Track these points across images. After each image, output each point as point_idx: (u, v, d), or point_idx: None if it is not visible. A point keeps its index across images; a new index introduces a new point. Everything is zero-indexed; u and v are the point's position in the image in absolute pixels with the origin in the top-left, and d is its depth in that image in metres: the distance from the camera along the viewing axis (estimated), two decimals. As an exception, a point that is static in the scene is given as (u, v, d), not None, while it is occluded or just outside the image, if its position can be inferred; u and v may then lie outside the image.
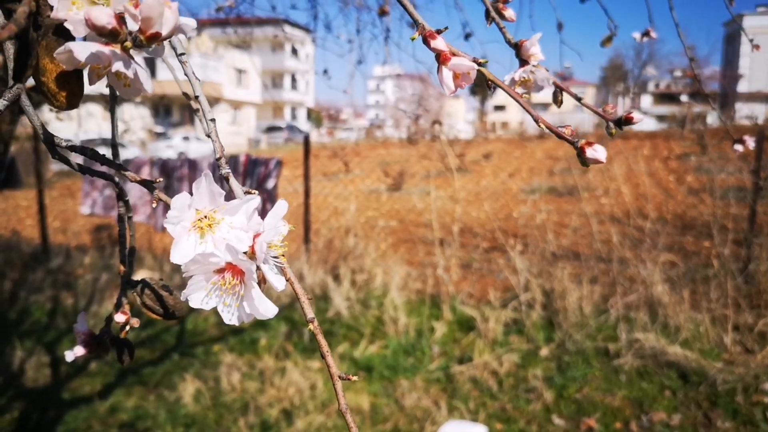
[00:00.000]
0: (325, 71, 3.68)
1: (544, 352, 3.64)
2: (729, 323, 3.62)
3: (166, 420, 3.06)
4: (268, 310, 0.44)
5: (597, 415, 2.97)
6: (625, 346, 3.55)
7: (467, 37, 2.41)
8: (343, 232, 5.35)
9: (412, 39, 0.54)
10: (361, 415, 3.05)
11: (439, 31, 0.54)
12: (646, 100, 45.15)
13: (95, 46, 0.39)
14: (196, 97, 0.50)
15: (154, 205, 0.48)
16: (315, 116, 43.45)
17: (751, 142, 1.12)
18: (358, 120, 45.33)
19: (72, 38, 0.43)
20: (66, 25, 0.41)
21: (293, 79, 40.24)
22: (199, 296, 0.46)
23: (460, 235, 5.19)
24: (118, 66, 0.41)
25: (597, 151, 0.54)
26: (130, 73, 0.42)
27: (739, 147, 1.13)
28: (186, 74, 0.50)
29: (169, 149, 19.10)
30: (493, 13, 0.65)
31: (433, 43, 0.53)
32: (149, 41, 0.41)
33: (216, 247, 0.45)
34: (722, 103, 33.37)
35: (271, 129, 30.90)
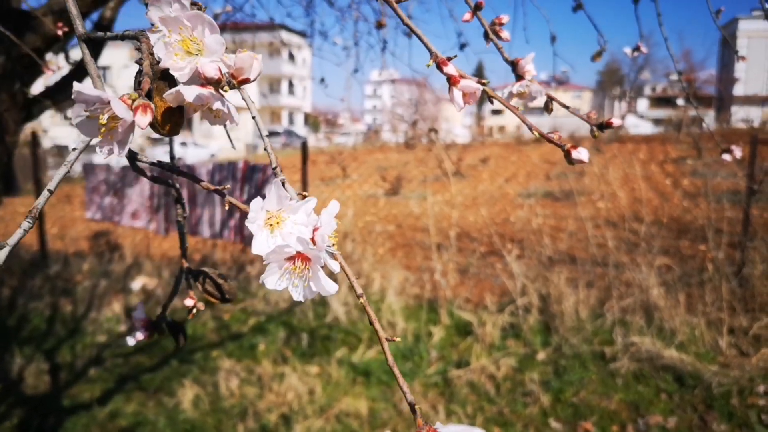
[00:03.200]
0: (322, 80, 3.71)
1: (541, 356, 3.66)
2: (724, 326, 3.65)
3: (165, 426, 3.08)
4: (332, 287, 0.54)
5: (594, 418, 3.00)
6: (621, 349, 3.58)
7: (462, 47, 2.44)
8: (341, 238, 5.37)
9: (428, 65, 0.62)
10: (360, 420, 3.07)
11: (449, 59, 0.62)
12: (643, 104, 45.30)
13: (200, 90, 0.50)
14: (253, 118, 0.59)
15: (226, 207, 0.58)
16: (312, 121, 43.51)
17: (738, 152, 1.15)
18: (355, 125, 45.40)
19: (173, 81, 0.53)
20: (172, 72, 0.51)
21: (290, 85, 40.31)
22: (273, 279, 0.54)
23: (457, 240, 5.22)
24: (217, 105, 0.52)
25: (580, 153, 0.63)
26: (225, 109, 0.53)
27: (726, 156, 1.16)
28: (243, 99, 0.60)
29: (166, 155, 19.11)
30: (491, 35, 0.71)
31: (446, 69, 0.61)
32: (240, 84, 0.53)
33: (284, 240, 0.54)
34: (718, 107, 33.52)
35: (269, 134, 30.87)
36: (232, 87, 0.53)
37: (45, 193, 0.50)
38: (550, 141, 0.64)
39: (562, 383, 3.33)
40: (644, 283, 4.05)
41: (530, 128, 0.64)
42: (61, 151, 14.31)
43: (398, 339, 0.54)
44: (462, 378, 3.43)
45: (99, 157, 0.50)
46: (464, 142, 20.17)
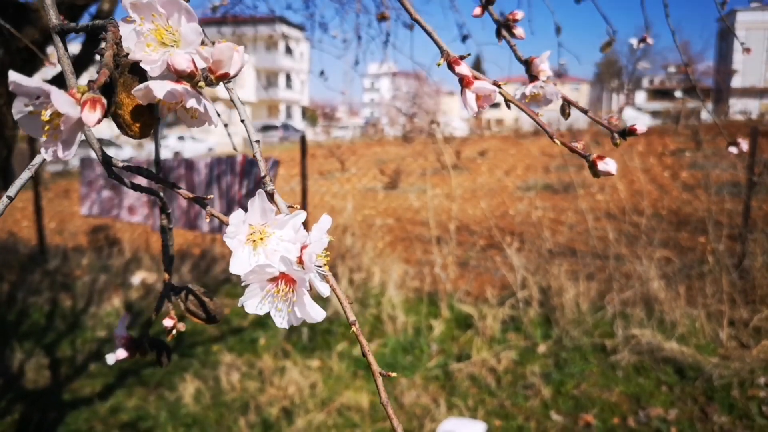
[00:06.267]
0: (322, 72, 3.69)
1: (542, 348, 3.66)
2: (724, 318, 3.66)
3: (167, 420, 3.08)
4: (318, 314, 0.49)
5: (595, 410, 3.00)
6: (622, 342, 3.58)
7: (464, 39, 2.43)
8: (341, 231, 5.36)
9: (438, 65, 0.57)
10: (361, 414, 3.07)
11: (462, 57, 0.56)
12: (641, 96, 45.23)
13: (171, 85, 0.44)
14: (242, 121, 0.53)
15: (207, 220, 0.52)
16: (310, 115, 43.40)
17: (744, 144, 1.14)
18: (353, 118, 45.30)
19: (144, 75, 0.47)
20: (142, 65, 0.45)
21: (288, 78, 40.20)
22: (254, 302, 0.49)
23: (456, 233, 5.21)
24: (191, 103, 0.45)
25: (608, 164, 0.58)
26: (201, 108, 0.46)
27: (733, 149, 1.15)
28: (232, 100, 0.54)
29: (164, 149, 19.09)
30: (504, 32, 0.67)
31: (458, 69, 0.56)
32: (218, 80, 0.46)
33: (267, 258, 0.48)
34: (716, 99, 33.50)
35: (267, 128, 30.84)
36: (209, 83, 0.46)
37: (4, 200, 0.45)
38: (573, 151, 0.60)
39: (562, 376, 3.33)
40: (644, 275, 4.05)
41: (551, 137, 0.60)
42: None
43: (394, 375, 0.51)
44: (463, 371, 3.43)
45: (46, 157, 0.44)
46: (463, 135, 20.12)
